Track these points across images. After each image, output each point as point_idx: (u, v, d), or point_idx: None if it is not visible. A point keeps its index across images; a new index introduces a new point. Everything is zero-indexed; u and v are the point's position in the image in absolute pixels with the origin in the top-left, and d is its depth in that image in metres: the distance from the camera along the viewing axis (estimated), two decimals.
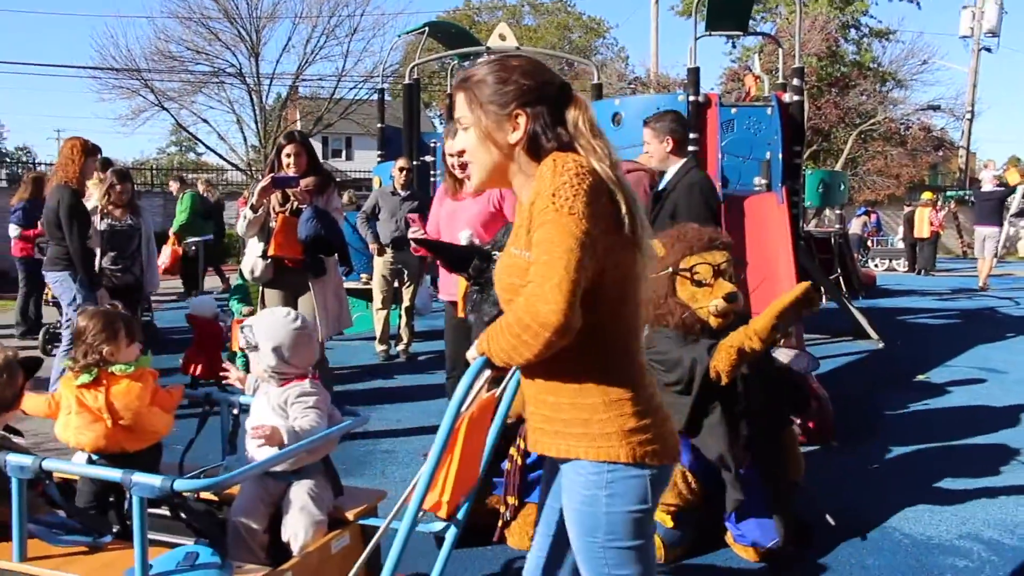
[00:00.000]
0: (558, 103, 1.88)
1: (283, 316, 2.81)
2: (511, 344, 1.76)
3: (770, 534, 3.35)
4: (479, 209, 4.39)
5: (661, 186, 4.76)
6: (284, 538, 2.59)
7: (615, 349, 1.85)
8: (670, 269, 3.39)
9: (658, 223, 4.35)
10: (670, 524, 3.38)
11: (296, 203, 4.89)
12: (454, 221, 4.42)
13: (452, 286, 4.37)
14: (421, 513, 2.14)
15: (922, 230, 19.20)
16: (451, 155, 4.10)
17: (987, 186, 14.60)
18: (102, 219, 6.26)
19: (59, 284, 5.78)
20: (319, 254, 4.89)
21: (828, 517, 3.80)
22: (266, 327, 2.76)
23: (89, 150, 5.85)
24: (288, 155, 4.85)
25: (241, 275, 6.80)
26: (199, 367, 5.86)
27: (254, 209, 4.87)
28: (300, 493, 2.64)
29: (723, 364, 3.23)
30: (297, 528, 2.58)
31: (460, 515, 2.34)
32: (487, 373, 1.94)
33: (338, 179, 13.50)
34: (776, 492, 3.40)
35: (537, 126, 1.85)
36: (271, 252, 4.91)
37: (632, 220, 1.81)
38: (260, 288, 5.21)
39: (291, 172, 4.84)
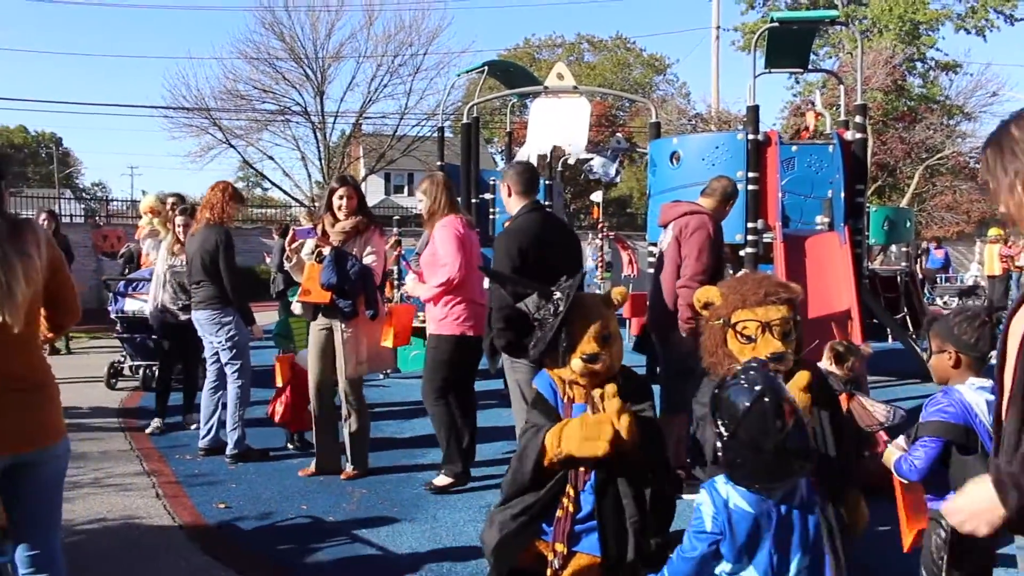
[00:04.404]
0: None
1: None
2: None
3: None
4: None
5: None
6: None
7: None
8: (721, 321, 3.28)
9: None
10: None
11: (319, 251, 5.13)
12: None
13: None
14: None
15: (992, 267, 18.70)
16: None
17: None
18: (170, 255, 6.42)
19: (220, 321, 5.69)
20: (341, 298, 5.05)
21: None
22: None
23: (238, 196, 5.98)
24: (340, 197, 5.15)
25: (282, 312, 6.87)
26: (287, 413, 5.85)
27: (288, 260, 5.28)
28: None
29: None
30: None
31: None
32: None
33: (398, 216, 13.65)
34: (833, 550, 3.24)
35: None
36: (299, 298, 5.27)
37: None
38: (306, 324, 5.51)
39: (342, 214, 5.14)
